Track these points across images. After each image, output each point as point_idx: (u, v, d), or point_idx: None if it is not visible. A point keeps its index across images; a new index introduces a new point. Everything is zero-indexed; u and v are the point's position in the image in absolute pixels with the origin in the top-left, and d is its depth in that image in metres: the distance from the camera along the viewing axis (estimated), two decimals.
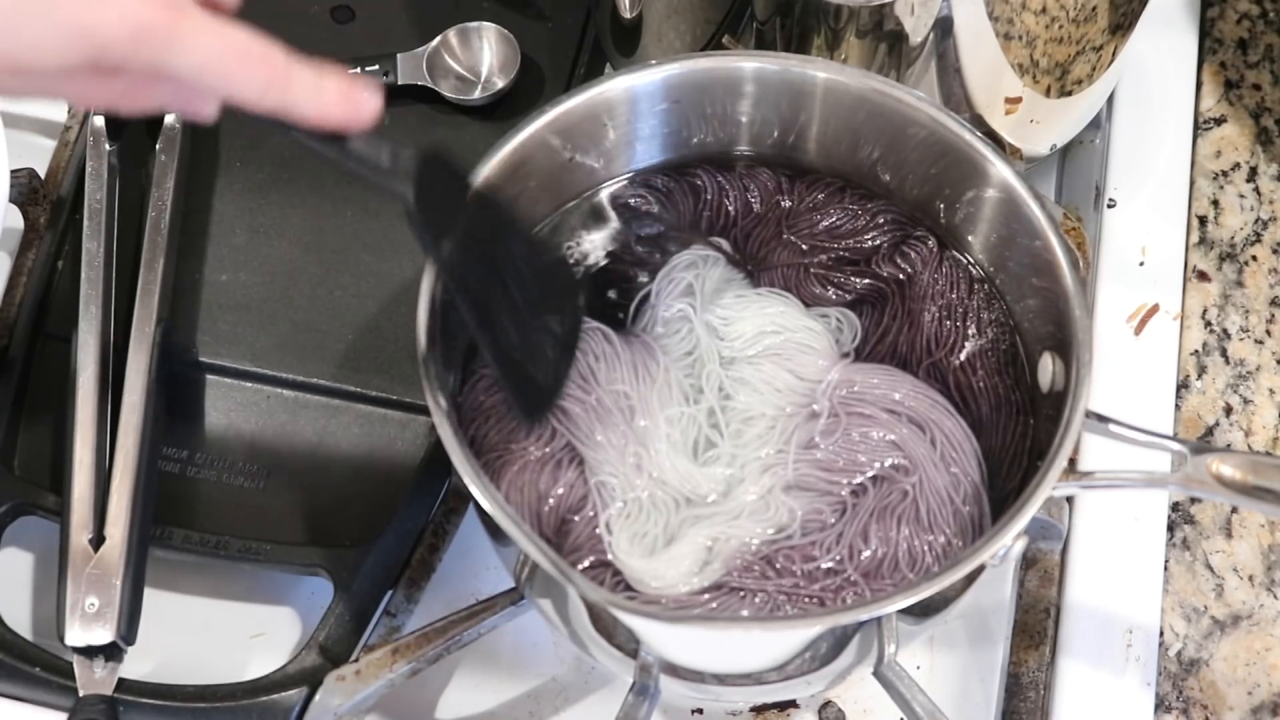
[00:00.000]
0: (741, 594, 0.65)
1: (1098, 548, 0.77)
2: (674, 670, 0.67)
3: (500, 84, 0.88)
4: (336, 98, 0.54)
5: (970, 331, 0.72)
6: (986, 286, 0.74)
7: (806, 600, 0.64)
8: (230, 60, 0.52)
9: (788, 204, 0.76)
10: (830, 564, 0.65)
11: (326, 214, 0.85)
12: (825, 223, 0.76)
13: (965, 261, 0.74)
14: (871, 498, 0.66)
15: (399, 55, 0.88)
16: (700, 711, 0.77)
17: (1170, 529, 0.78)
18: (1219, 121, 0.92)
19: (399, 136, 0.86)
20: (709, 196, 0.76)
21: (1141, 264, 0.86)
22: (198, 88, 0.53)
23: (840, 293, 0.74)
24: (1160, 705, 0.74)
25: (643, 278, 0.73)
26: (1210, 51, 0.94)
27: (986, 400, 0.71)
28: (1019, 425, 0.70)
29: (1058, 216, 0.86)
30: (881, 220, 0.76)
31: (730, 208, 0.76)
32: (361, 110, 0.54)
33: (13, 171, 0.84)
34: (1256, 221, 0.88)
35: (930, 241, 0.74)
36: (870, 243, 0.75)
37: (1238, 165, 0.90)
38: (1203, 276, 0.86)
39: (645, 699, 0.69)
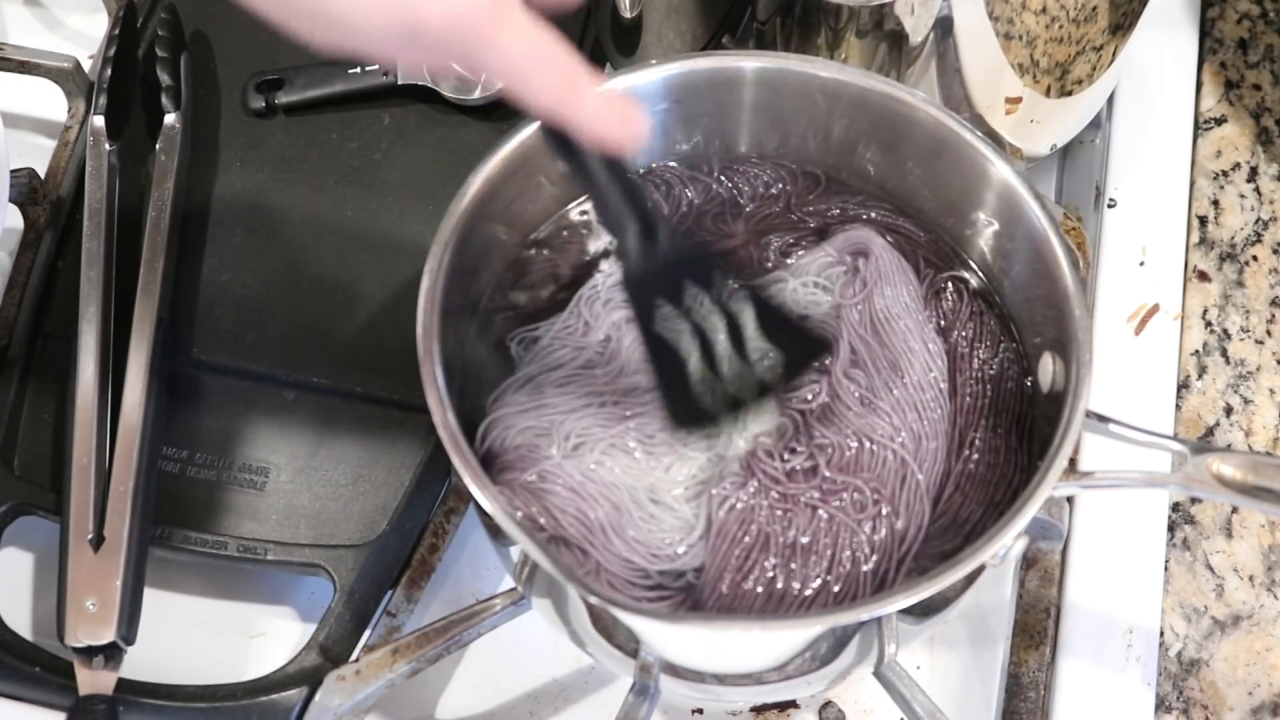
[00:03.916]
0: (728, 500, 0.66)
1: (1098, 548, 0.77)
2: (674, 670, 0.67)
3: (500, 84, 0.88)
4: (616, 119, 0.56)
5: (967, 332, 0.73)
6: (985, 284, 0.74)
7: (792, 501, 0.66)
8: (533, 65, 0.54)
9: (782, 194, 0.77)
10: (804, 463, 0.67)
11: (326, 214, 0.85)
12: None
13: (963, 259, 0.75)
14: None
15: None
16: (700, 711, 0.77)
17: (1170, 529, 0.78)
18: (1219, 121, 0.92)
19: (397, 137, 0.88)
20: (704, 197, 0.77)
21: (1141, 264, 0.86)
22: (498, 80, 0.55)
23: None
24: (1160, 705, 0.74)
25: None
26: (1210, 51, 0.94)
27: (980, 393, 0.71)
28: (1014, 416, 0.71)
29: (1058, 216, 0.86)
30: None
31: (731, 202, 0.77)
32: (635, 132, 0.56)
33: (13, 171, 0.84)
34: (1257, 221, 0.88)
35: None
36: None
37: (1238, 165, 0.90)
38: (1203, 276, 0.86)
39: (645, 699, 0.69)
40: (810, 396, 0.69)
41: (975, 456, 0.69)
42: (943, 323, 0.73)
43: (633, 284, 0.64)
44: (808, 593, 0.65)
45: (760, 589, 0.65)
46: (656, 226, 0.62)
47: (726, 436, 0.68)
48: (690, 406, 0.67)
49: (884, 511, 0.66)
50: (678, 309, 0.65)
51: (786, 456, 0.67)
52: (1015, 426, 0.70)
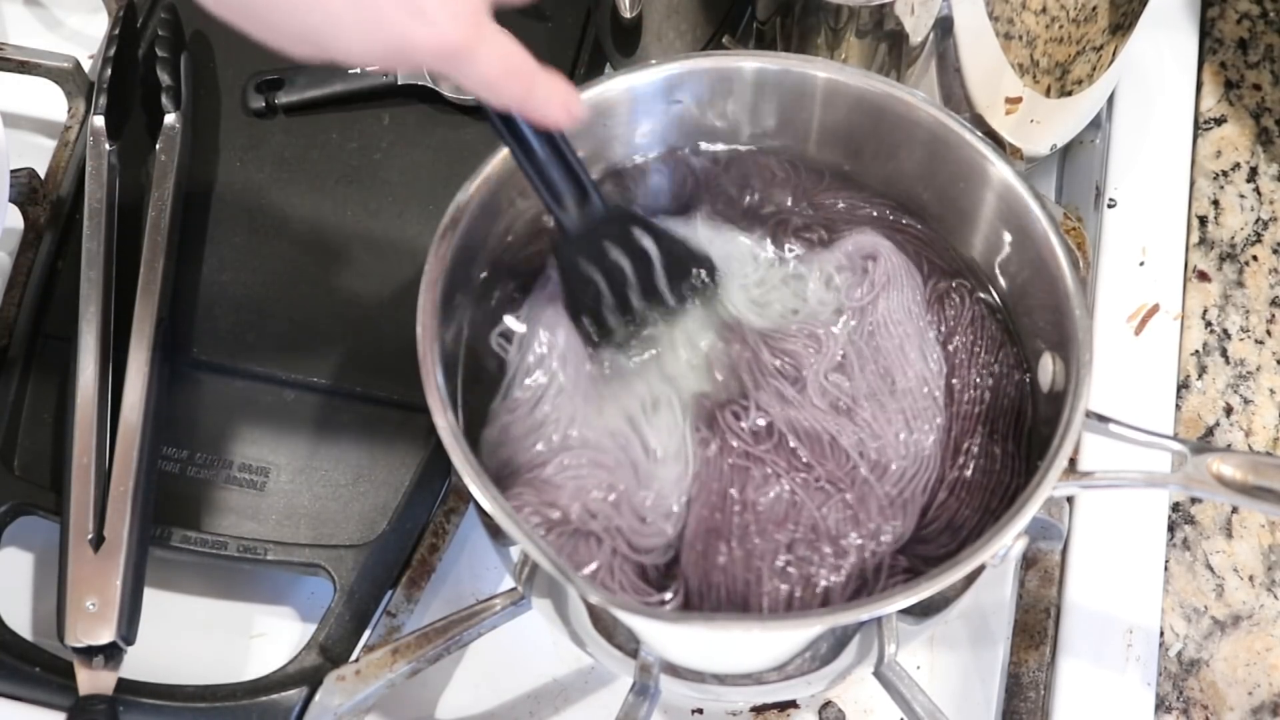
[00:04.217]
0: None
1: (1098, 548, 0.77)
2: (674, 670, 0.67)
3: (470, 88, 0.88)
4: (560, 103, 0.62)
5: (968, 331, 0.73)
6: (986, 286, 0.74)
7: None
8: (504, 75, 0.60)
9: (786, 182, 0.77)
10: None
11: (326, 214, 0.85)
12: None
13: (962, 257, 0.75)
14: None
15: None
16: (700, 711, 0.77)
17: (1170, 529, 0.78)
18: (1219, 121, 0.92)
19: (397, 137, 0.88)
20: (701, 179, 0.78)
21: (1141, 264, 0.86)
22: (469, 87, 0.60)
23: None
24: (1160, 705, 0.74)
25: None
26: (1210, 51, 0.94)
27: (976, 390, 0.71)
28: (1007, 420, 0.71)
29: (1058, 216, 0.86)
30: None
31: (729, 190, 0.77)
32: (574, 113, 0.63)
33: (13, 171, 0.84)
34: (1257, 221, 0.88)
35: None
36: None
37: (1238, 165, 0.90)
38: (1203, 276, 0.86)
39: (645, 699, 0.69)
40: (786, 390, 0.70)
41: (971, 463, 0.69)
42: (944, 328, 0.72)
43: (565, 247, 0.69)
44: (785, 559, 0.66)
45: (738, 556, 0.66)
46: (589, 195, 0.68)
47: (667, 349, 0.71)
48: (601, 330, 0.71)
49: (851, 504, 0.67)
50: (601, 265, 0.70)
51: (767, 444, 0.68)
52: (1013, 433, 0.70)
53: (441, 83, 0.88)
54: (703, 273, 0.72)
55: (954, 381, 0.71)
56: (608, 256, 0.70)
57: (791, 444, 0.68)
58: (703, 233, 0.74)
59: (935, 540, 0.67)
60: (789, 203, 0.76)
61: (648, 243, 0.71)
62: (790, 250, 0.74)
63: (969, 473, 0.69)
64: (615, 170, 0.77)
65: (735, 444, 0.68)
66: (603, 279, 0.70)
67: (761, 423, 0.68)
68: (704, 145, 0.77)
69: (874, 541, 0.66)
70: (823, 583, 0.65)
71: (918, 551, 0.67)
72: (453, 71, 0.59)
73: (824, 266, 0.73)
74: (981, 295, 0.74)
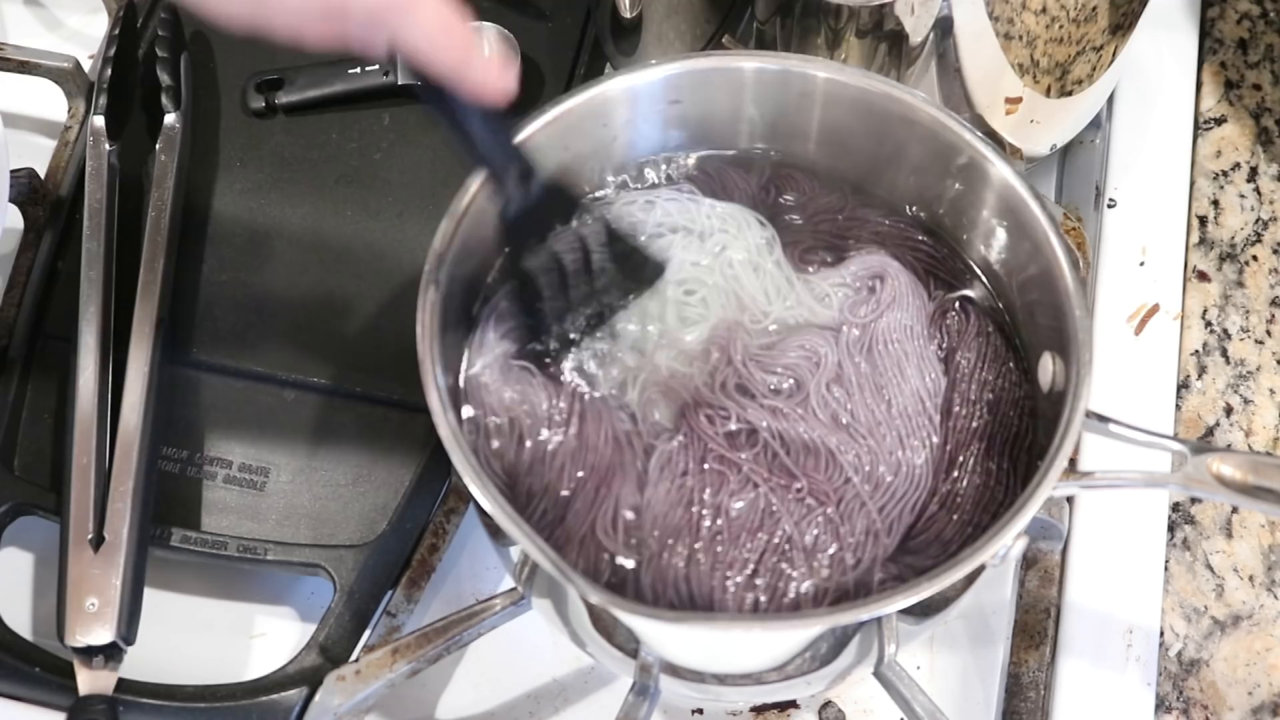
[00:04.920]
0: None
1: (1098, 548, 0.77)
2: (674, 670, 0.67)
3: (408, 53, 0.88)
4: (496, 76, 0.62)
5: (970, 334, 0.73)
6: (987, 291, 0.74)
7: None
8: (443, 37, 0.59)
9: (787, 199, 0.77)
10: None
11: (326, 214, 0.85)
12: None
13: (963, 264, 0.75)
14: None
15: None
16: (700, 711, 0.77)
17: (1170, 529, 0.78)
18: (1219, 121, 0.92)
19: (397, 137, 0.88)
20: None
21: (1141, 264, 0.86)
22: (408, 49, 0.59)
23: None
24: (1160, 705, 0.74)
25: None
26: (1210, 51, 0.94)
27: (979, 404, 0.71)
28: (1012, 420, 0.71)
29: (1058, 216, 0.86)
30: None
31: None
32: (508, 87, 0.62)
33: (13, 171, 0.84)
34: (1257, 221, 0.88)
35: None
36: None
37: (1238, 165, 0.90)
38: (1203, 276, 0.86)
39: (645, 699, 0.69)
40: (784, 405, 0.69)
41: (965, 479, 0.69)
42: (944, 344, 0.72)
43: (510, 223, 0.69)
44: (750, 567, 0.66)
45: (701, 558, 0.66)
46: (531, 169, 0.67)
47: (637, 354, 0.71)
48: (542, 320, 0.71)
49: (834, 519, 0.67)
50: (544, 241, 0.69)
51: (748, 452, 0.68)
52: (1009, 450, 0.70)
53: None
54: (647, 269, 0.72)
55: (953, 396, 0.71)
56: (557, 237, 0.69)
57: (778, 453, 0.68)
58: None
59: (924, 552, 0.67)
60: (795, 215, 0.76)
61: (593, 232, 0.70)
62: (808, 270, 0.74)
63: (962, 486, 0.69)
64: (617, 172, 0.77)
65: (711, 446, 0.67)
66: (554, 263, 0.70)
67: (734, 427, 0.68)
68: (701, 151, 0.77)
69: (854, 559, 0.66)
70: (792, 595, 0.65)
71: (907, 561, 0.67)
72: (393, 31, 0.58)
73: (829, 282, 0.73)
74: (986, 311, 0.74)
